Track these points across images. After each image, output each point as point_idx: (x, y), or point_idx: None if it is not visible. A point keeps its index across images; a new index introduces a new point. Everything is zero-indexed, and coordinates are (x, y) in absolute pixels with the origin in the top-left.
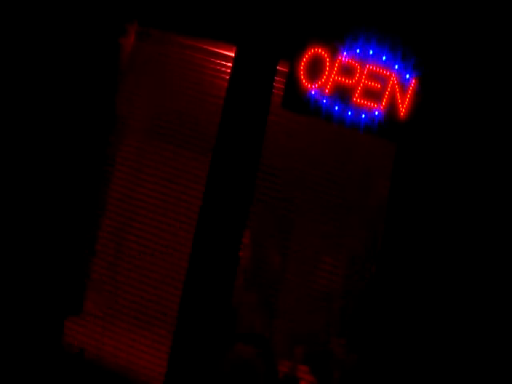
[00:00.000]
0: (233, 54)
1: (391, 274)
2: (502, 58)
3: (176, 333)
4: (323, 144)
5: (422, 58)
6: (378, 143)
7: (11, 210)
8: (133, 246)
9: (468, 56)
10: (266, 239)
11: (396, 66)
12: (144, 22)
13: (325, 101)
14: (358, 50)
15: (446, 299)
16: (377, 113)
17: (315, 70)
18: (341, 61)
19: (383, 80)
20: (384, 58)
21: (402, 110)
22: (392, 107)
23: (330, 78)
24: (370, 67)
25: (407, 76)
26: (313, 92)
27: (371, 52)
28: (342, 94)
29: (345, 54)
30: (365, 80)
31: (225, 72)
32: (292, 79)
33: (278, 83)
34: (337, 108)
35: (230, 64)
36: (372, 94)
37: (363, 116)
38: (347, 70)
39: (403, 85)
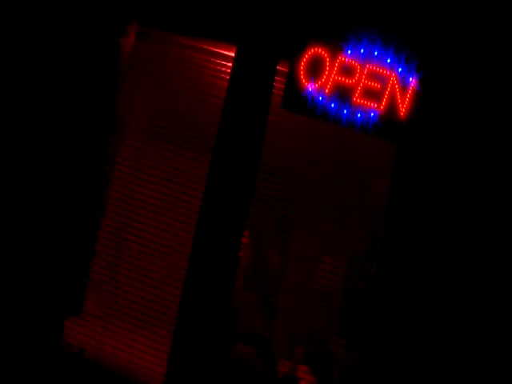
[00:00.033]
0: (233, 54)
1: (391, 274)
2: (501, 58)
3: (176, 333)
4: (323, 144)
5: (422, 58)
6: (377, 143)
7: (11, 209)
8: (133, 246)
9: (468, 56)
10: (266, 239)
11: (396, 66)
12: (144, 21)
13: (325, 101)
14: (358, 50)
15: (445, 299)
16: (377, 113)
17: (315, 69)
18: (341, 61)
19: (383, 80)
20: (384, 57)
21: (402, 110)
22: (392, 107)
23: (330, 77)
24: (370, 67)
25: (407, 76)
26: (313, 92)
27: (371, 52)
28: (342, 94)
29: (345, 53)
30: (365, 80)
31: (225, 72)
32: (292, 79)
33: (278, 83)
34: (337, 108)
35: (230, 64)
36: (372, 94)
37: (363, 116)
38: (347, 70)
39: (403, 85)
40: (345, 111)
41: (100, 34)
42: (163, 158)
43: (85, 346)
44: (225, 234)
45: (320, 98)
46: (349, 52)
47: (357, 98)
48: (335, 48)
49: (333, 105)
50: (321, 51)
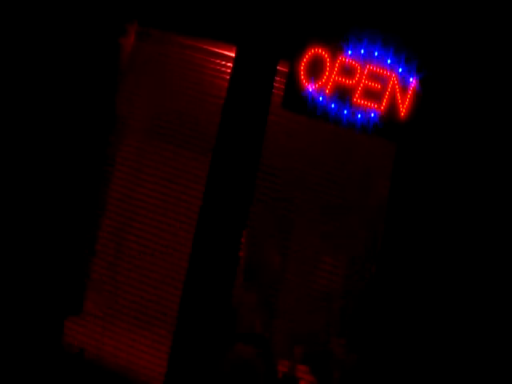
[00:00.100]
0: (233, 54)
1: (391, 274)
2: (501, 58)
3: (176, 333)
4: (323, 144)
5: (423, 59)
6: (378, 143)
7: (11, 209)
8: (133, 246)
9: (468, 56)
10: (266, 239)
11: (396, 67)
12: (144, 21)
13: (325, 101)
14: (358, 51)
15: (445, 299)
16: (377, 113)
17: (315, 70)
18: (341, 61)
19: (383, 80)
20: (384, 58)
21: (402, 110)
22: (392, 107)
23: (330, 78)
24: (371, 67)
25: (407, 76)
26: (313, 92)
27: (371, 52)
28: (342, 95)
29: (345, 54)
30: (365, 80)
31: (225, 72)
32: (292, 79)
33: (278, 83)
34: (337, 108)
35: (230, 64)
36: (372, 95)
37: (363, 116)
38: (347, 71)
39: (403, 85)
40: (345, 111)
41: (100, 34)
42: (163, 158)
43: (85, 346)
44: (225, 234)
45: (320, 99)
46: (349, 52)
47: (357, 99)
48: (335, 48)
49: (333, 105)
50: (321, 51)
